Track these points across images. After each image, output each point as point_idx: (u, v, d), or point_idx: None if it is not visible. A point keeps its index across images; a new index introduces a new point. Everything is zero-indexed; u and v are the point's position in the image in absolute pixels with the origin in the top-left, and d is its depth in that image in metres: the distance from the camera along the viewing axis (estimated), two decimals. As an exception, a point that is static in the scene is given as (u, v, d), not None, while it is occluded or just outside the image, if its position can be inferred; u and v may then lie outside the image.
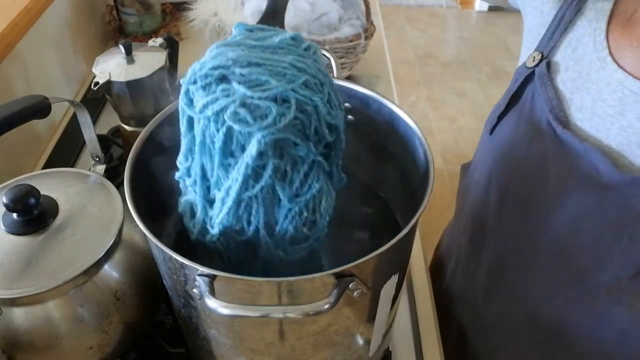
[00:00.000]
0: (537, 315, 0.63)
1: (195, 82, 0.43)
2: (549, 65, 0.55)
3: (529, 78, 0.56)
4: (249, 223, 0.45)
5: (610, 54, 0.50)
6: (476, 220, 0.69)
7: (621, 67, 0.49)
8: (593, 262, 0.54)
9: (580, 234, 0.54)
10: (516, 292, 0.65)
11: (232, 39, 0.45)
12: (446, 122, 2.51)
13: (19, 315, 0.51)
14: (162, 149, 0.55)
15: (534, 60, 0.56)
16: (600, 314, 0.57)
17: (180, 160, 0.48)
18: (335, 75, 0.63)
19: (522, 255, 0.62)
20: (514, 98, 0.59)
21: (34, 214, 0.52)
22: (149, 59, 0.78)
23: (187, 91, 0.44)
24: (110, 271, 0.54)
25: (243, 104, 0.40)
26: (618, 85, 0.48)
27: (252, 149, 0.40)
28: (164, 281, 0.53)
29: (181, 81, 0.44)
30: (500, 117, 0.61)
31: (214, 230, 0.46)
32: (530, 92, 0.56)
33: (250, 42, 0.44)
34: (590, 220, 0.52)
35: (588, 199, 0.51)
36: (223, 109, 0.41)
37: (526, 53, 0.59)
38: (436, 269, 0.89)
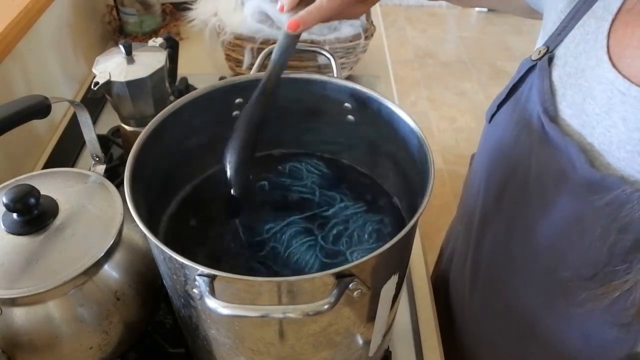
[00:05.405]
0: (512, 309, 0.64)
1: None
2: (551, 59, 0.55)
3: (530, 70, 0.57)
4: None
5: (608, 52, 0.50)
6: (470, 208, 0.70)
7: (616, 67, 0.49)
8: (558, 258, 0.55)
9: (550, 228, 0.54)
10: (497, 284, 0.66)
11: None
12: (446, 122, 2.51)
13: (19, 315, 0.51)
14: (162, 149, 0.55)
15: (539, 54, 0.56)
16: (562, 316, 0.58)
17: None
18: (335, 75, 0.63)
19: (500, 246, 0.63)
20: (514, 88, 0.59)
21: (34, 214, 0.52)
22: (149, 59, 0.78)
23: None
24: (110, 271, 0.54)
25: None
26: (608, 85, 0.48)
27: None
28: (164, 281, 0.53)
29: None
30: (500, 106, 0.61)
31: None
32: (529, 84, 0.57)
33: None
34: (560, 216, 0.53)
35: (561, 194, 0.52)
36: None
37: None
38: (438, 257, 0.90)
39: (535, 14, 0.66)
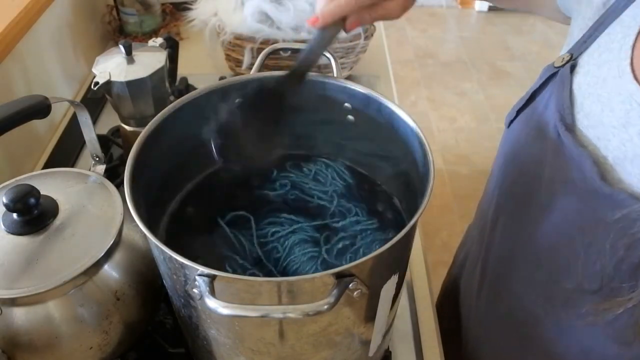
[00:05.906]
0: (514, 313, 0.64)
1: None
2: (573, 67, 0.54)
3: (552, 77, 0.56)
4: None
5: (632, 64, 0.48)
6: (484, 213, 0.70)
7: (637, 80, 0.47)
8: (559, 266, 0.54)
9: (555, 238, 0.54)
10: (501, 287, 0.66)
11: None
12: (446, 122, 2.51)
13: (19, 315, 0.51)
14: (162, 148, 0.55)
15: (562, 61, 0.55)
16: (563, 327, 0.57)
17: None
18: (335, 75, 0.63)
19: (505, 251, 0.63)
20: (534, 95, 0.58)
21: (34, 214, 0.52)
22: (149, 59, 0.78)
23: None
24: (110, 271, 0.54)
25: None
26: (628, 97, 0.47)
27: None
28: (164, 281, 0.53)
29: None
30: (519, 112, 0.61)
31: None
32: (549, 91, 0.56)
33: None
34: (567, 225, 0.52)
35: (570, 205, 0.51)
36: None
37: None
38: (452, 262, 0.90)
39: (568, 20, 0.64)
